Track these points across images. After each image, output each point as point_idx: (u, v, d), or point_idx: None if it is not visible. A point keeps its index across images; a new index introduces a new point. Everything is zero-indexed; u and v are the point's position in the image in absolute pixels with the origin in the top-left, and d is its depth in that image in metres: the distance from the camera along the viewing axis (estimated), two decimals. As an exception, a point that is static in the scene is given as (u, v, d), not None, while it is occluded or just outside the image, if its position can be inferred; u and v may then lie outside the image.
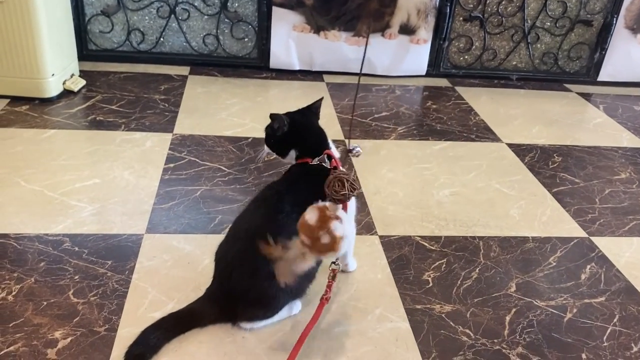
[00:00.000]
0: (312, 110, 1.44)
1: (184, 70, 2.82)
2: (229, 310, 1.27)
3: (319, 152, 1.35)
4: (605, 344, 1.34)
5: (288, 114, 1.39)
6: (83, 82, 2.52)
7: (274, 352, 1.23)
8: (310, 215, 1.07)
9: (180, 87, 2.61)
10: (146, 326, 1.21)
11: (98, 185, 1.80)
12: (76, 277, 1.39)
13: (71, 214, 1.64)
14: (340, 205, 1.11)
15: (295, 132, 1.36)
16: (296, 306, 1.34)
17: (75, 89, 2.44)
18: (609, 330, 1.38)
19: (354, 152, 1.24)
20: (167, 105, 2.42)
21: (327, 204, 1.10)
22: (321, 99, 1.45)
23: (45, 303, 1.31)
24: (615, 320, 1.42)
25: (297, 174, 1.37)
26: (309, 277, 1.29)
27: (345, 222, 1.08)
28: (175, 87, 2.61)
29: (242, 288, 1.23)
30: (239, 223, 1.31)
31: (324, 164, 1.33)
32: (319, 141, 1.40)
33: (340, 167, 1.30)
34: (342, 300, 1.40)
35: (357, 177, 1.16)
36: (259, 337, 1.27)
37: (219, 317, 1.29)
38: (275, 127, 1.35)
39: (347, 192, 1.10)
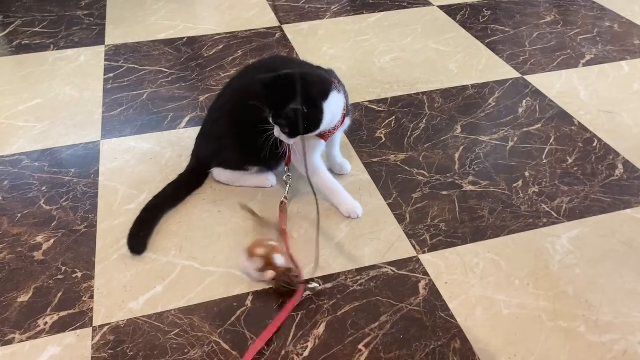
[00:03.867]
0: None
1: (101, -18, 2.68)
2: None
3: None
4: (545, 161, 1.48)
5: None
6: (-4, 8, 2.38)
7: (249, 220, 1.32)
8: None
9: (101, 0, 2.50)
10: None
11: (42, 104, 1.77)
12: (43, 188, 1.42)
13: (22, 135, 1.63)
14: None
15: None
16: (270, 179, 1.41)
17: (-9, 17, 2.31)
18: (546, 150, 1.53)
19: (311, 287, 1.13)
20: (92, 19, 2.33)
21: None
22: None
23: (19, 215, 1.34)
24: (551, 141, 1.56)
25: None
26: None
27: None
28: (96, 0, 2.49)
29: (206, 140, 1.41)
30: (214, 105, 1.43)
31: None
32: None
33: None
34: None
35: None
36: (233, 208, 1.35)
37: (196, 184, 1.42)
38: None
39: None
